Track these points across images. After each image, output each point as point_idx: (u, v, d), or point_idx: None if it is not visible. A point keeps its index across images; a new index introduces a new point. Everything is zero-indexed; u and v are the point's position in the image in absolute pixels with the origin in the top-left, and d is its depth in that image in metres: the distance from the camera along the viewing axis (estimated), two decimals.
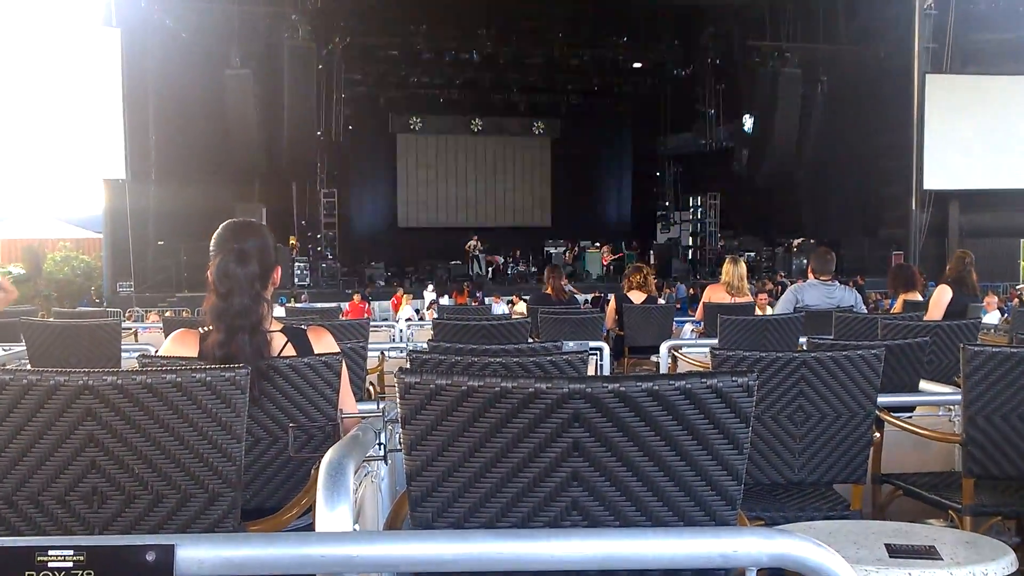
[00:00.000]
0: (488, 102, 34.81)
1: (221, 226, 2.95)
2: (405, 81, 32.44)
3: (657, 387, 1.65)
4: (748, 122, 29.78)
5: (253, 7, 24.53)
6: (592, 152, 36.65)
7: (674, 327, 9.72)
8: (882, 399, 3.46)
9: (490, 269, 30.28)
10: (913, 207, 25.88)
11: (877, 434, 3.48)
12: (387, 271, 29.24)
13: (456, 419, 1.69)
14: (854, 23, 27.62)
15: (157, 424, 2.07)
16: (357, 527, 2.01)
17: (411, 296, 22.44)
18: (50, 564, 1.45)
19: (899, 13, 25.87)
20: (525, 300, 18.63)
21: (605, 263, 30.53)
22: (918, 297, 7.80)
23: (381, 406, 2.84)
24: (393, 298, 22.42)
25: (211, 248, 2.90)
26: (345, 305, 20.02)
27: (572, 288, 21.55)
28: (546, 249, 31.44)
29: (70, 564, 1.45)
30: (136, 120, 22.96)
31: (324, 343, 3.07)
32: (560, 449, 1.69)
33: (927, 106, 25.42)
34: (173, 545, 1.46)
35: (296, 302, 20.57)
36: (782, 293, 9.98)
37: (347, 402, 3.00)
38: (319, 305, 18.39)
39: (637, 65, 32.44)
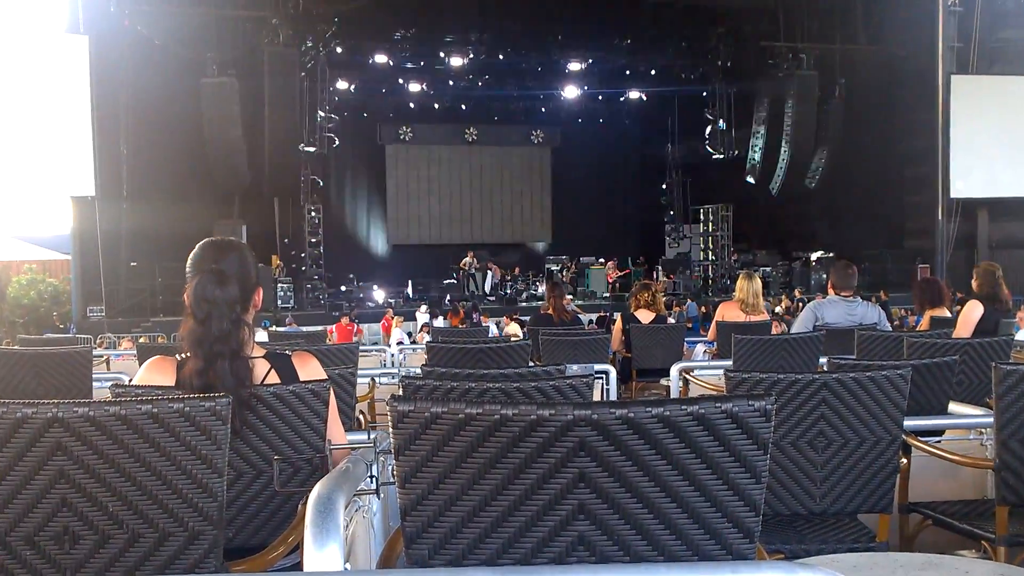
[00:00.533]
0: (483, 110, 34.83)
1: (198, 245, 2.95)
2: (394, 88, 32.45)
3: (668, 412, 1.65)
4: (761, 128, 29.83)
5: (231, 11, 24.59)
6: (595, 162, 36.71)
7: (685, 348, 9.72)
8: (909, 422, 3.45)
9: (494, 282, 30.18)
10: (939, 217, 25.86)
11: (904, 460, 3.48)
12: (376, 291, 29.22)
13: (453, 449, 1.69)
14: (873, 21, 27.72)
15: (132, 458, 2.07)
16: (348, 566, 2.01)
17: (402, 318, 22.44)
18: None
19: (921, 10, 25.92)
20: (520, 321, 18.64)
21: (610, 280, 30.53)
22: (946, 313, 7.80)
23: (372, 436, 2.84)
24: (383, 320, 22.43)
25: (187, 269, 2.90)
26: (332, 328, 20.02)
27: (575, 307, 21.58)
28: (547, 266, 31.45)
29: None
30: (106, 133, 22.96)
31: (310, 369, 3.07)
32: (565, 480, 1.68)
33: (952, 109, 25.39)
34: None
35: (280, 326, 20.55)
36: (800, 310, 9.97)
37: (335, 432, 3.00)
38: (304, 329, 18.36)
39: (642, 69, 32.42)
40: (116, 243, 23.93)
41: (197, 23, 24.08)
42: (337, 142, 30.24)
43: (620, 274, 30.55)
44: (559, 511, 1.70)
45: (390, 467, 2.10)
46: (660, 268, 31.72)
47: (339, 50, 28.89)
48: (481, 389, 3.03)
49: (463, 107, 34.34)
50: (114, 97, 23.63)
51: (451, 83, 32.49)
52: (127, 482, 2.08)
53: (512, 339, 8.25)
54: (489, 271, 30.55)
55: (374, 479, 2.57)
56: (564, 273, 30.79)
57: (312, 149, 28.43)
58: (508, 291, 29.78)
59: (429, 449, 1.70)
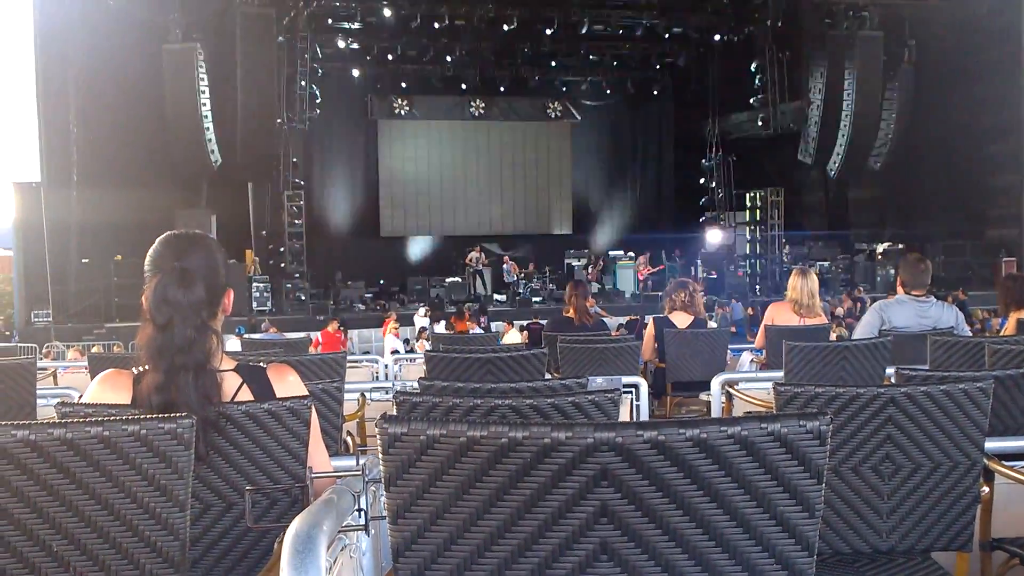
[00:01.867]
0: (492, 79, 34.76)
1: (158, 240, 2.94)
2: (387, 54, 32.34)
3: (705, 435, 1.64)
4: (818, 99, 29.73)
5: None
6: (623, 140, 36.74)
7: (729, 357, 9.69)
8: (991, 444, 3.44)
9: (510, 279, 30.22)
10: None
11: (986, 488, 3.46)
12: (367, 291, 29.27)
13: (454, 478, 1.68)
14: None
15: (80, 490, 2.07)
16: None
17: (397, 324, 22.47)
18: None
19: None
20: (535, 327, 18.67)
21: (641, 278, 30.55)
22: None
23: (361, 462, 2.84)
24: (385, 324, 22.43)
25: (146, 268, 2.90)
26: (316, 335, 20.07)
27: (600, 310, 21.58)
28: (567, 262, 31.44)
29: None
30: (53, 109, 23.05)
31: (288, 384, 3.07)
32: (585, 514, 1.68)
33: None
34: None
35: (255, 331, 20.60)
36: (863, 312, 9.93)
37: (318, 458, 2.99)
38: (284, 336, 18.41)
39: (678, 30, 32.28)
40: (65, 236, 24.01)
41: None
42: (321, 117, 30.30)
43: (653, 271, 30.55)
44: (578, 550, 1.69)
45: (382, 498, 2.09)
46: (700, 263, 31.70)
47: (322, 9, 28.80)
48: (488, 407, 3.02)
49: (468, 76, 34.27)
50: (62, 68, 23.71)
51: (454, 48, 32.36)
52: (74, 517, 2.08)
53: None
54: (505, 266, 30.56)
55: (362, 513, 2.57)
56: (589, 270, 30.80)
57: (292, 125, 28.47)
58: (522, 291, 29.78)
59: (426, 478, 1.69)
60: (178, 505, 2.13)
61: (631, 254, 31.66)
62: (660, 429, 1.64)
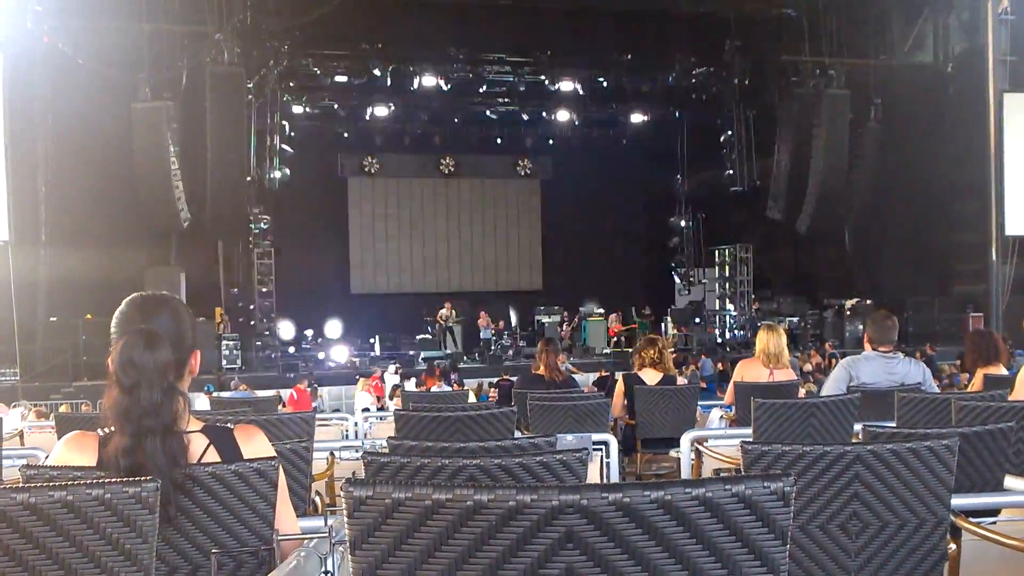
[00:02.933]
0: (462, 137, 34.92)
1: (124, 302, 2.94)
2: (358, 113, 32.47)
3: (670, 497, 1.65)
4: (786, 155, 29.95)
5: (167, 25, 24.63)
6: (592, 196, 36.79)
7: (699, 413, 9.70)
8: (957, 501, 3.45)
9: (487, 336, 30.21)
10: (993, 258, 25.92)
11: (953, 546, 3.46)
12: (337, 349, 29.22)
13: (419, 542, 1.68)
14: (912, 32, 27.98)
15: (43, 554, 2.05)
16: None
17: (368, 381, 22.38)
18: None
19: (967, 19, 26.19)
20: (503, 384, 18.67)
21: (612, 335, 30.58)
22: (1002, 370, 7.81)
23: (329, 523, 2.83)
24: (371, 381, 22.27)
25: (112, 330, 2.90)
26: (288, 393, 19.97)
27: (570, 366, 21.59)
28: (537, 318, 31.46)
29: None
30: (22, 167, 22.96)
31: (255, 445, 3.06)
32: None
33: (1007, 132, 25.41)
34: None
35: (224, 390, 20.48)
36: (832, 367, 9.97)
37: (285, 520, 2.97)
38: (254, 394, 18.29)
39: (645, 89, 32.51)
40: (32, 295, 23.83)
41: (128, 40, 24.04)
42: (291, 175, 30.32)
43: (624, 328, 30.58)
44: None
45: (349, 560, 2.09)
46: (669, 320, 31.76)
47: (294, 70, 28.90)
48: (455, 467, 3.02)
49: (438, 134, 34.39)
50: (31, 125, 23.65)
51: (424, 106, 32.47)
52: None
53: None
54: (480, 322, 30.56)
55: (329, 575, 2.56)
56: (564, 328, 30.83)
57: (263, 183, 28.46)
58: (493, 348, 29.76)
59: (391, 541, 1.69)
60: (143, 570, 2.12)
61: (601, 311, 31.72)
62: (625, 491, 1.65)
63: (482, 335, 30.40)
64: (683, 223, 36.19)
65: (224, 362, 25.76)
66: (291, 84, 29.92)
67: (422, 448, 3.76)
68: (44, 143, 23.96)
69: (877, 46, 28.13)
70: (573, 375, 13.06)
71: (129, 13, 23.63)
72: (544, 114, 33.83)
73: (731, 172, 32.26)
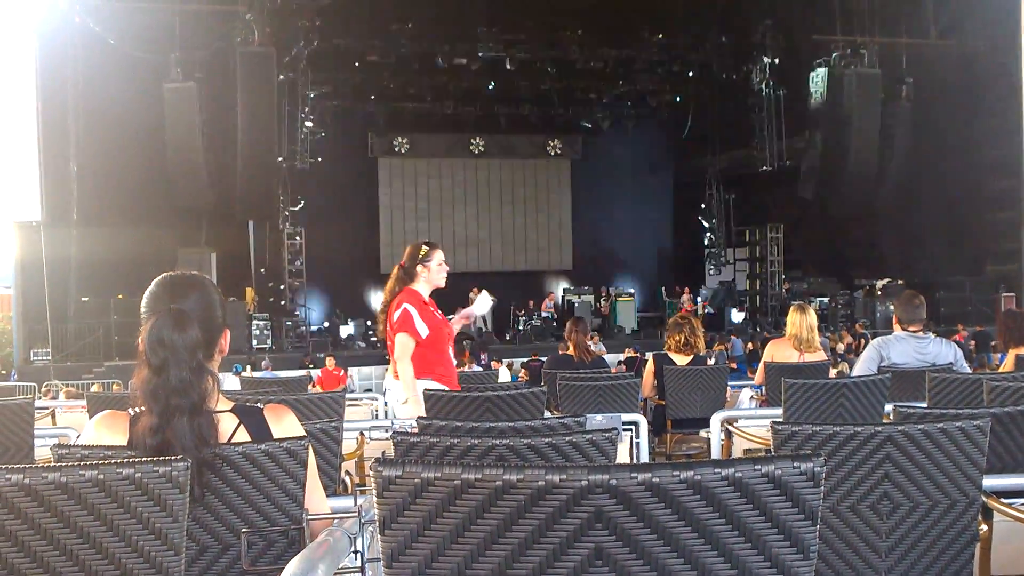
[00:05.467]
0: (491, 117, 34.79)
1: (154, 282, 2.94)
2: (387, 92, 32.44)
3: (699, 477, 1.64)
4: (816, 136, 29.77)
5: (198, 6, 24.69)
6: (622, 177, 36.70)
7: (729, 393, 9.68)
8: (989, 482, 3.43)
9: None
10: None
11: (984, 527, 3.44)
12: (367, 329, 29.26)
13: (448, 522, 1.68)
14: (945, 11, 27.72)
15: (74, 534, 2.06)
16: None
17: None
18: None
19: None
20: (533, 365, 18.66)
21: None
22: None
23: (359, 503, 2.83)
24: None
25: (142, 310, 2.89)
26: (317, 373, 20.05)
27: (602, 348, 21.56)
28: (567, 298, 31.43)
29: None
30: (54, 148, 23.09)
31: (285, 425, 3.05)
32: (579, 557, 1.67)
33: None
34: None
35: (255, 370, 20.58)
36: (862, 348, 9.92)
37: (315, 499, 2.98)
38: (283, 374, 18.38)
39: (676, 68, 32.37)
40: (65, 275, 23.99)
41: (159, 20, 24.10)
42: (321, 155, 30.35)
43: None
44: None
45: (378, 539, 2.09)
46: (699, 300, 31.67)
47: (323, 50, 28.87)
48: (484, 447, 3.02)
49: (468, 114, 34.32)
50: (63, 107, 23.76)
51: (454, 86, 32.42)
52: (68, 561, 2.07)
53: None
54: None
55: (359, 555, 2.56)
56: (602, 304, 30.82)
57: (292, 163, 28.51)
58: (522, 328, 29.76)
59: (421, 521, 1.69)
60: (173, 548, 2.13)
61: (631, 291, 31.67)
62: (654, 471, 1.64)
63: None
64: (713, 203, 35.97)
65: (255, 342, 25.87)
66: (321, 64, 29.88)
67: (451, 428, 3.76)
68: (76, 124, 24.04)
69: (909, 25, 27.85)
70: (603, 356, 13.04)
71: None
72: (574, 94, 33.74)
73: (762, 152, 32.04)
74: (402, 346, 6.92)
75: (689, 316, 10.52)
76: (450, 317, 7.43)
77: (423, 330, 6.92)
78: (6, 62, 22.30)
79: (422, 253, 7.14)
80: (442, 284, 7.05)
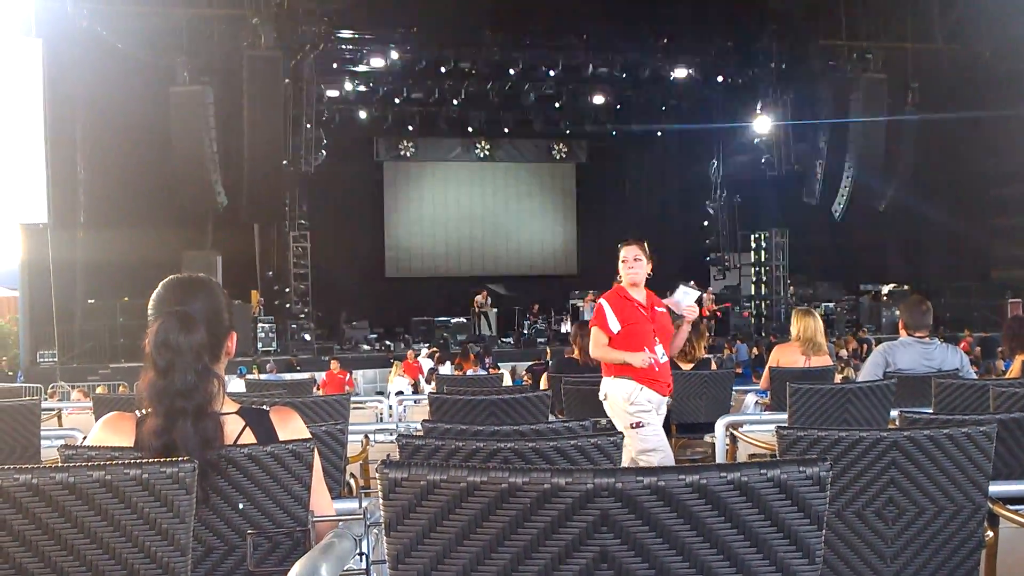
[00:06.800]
0: (496, 121, 34.67)
1: (161, 284, 2.94)
2: (393, 97, 32.43)
3: (705, 481, 1.64)
4: (822, 141, 29.78)
5: (204, 10, 24.72)
6: (627, 181, 36.69)
7: (734, 398, 9.66)
8: (995, 488, 3.43)
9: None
10: None
11: (990, 533, 3.44)
12: (372, 332, 29.27)
13: (454, 524, 1.68)
14: (950, 16, 27.70)
15: (81, 534, 2.07)
16: None
17: (401, 364, 22.40)
18: None
19: (1007, 3, 25.91)
20: (535, 369, 18.64)
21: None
22: None
23: (364, 505, 2.83)
24: (404, 364, 22.23)
25: (149, 312, 2.90)
26: (321, 375, 20.05)
27: None
28: (572, 302, 31.40)
29: None
30: (61, 151, 23.08)
31: (291, 427, 3.06)
32: (584, 560, 1.67)
33: None
34: None
35: (260, 372, 20.60)
36: (869, 353, 9.90)
37: (320, 501, 2.98)
38: (288, 376, 18.39)
39: (681, 73, 32.33)
40: (71, 277, 24.01)
41: (166, 24, 24.18)
42: (327, 158, 30.35)
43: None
44: None
45: (384, 542, 2.09)
46: (704, 296, 31.62)
47: (330, 54, 28.91)
48: (490, 450, 3.02)
49: (473, 118, 34.28)
50: (70, 110, 23.78)
51: (459, 90, 32.38)
52: (75, 561, 2.07)
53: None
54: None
55: (364, 557, 2.56)
56: None
57: (298, 167, 28.51)
58: (527, 332, 29.76)
59: (426, 523, 1.69)
60: (179, 549, 2.13)
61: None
62: (660, 475, 1.64)
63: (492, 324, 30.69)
64: (718, 208, 35.95)
65: (260, 345, 25.91)
66: (327, 68, 29.89)
67: (457, 431, 3.76)
68: (83, 127, 24.08)
69: (915, 30, 27.85)
70: None
71: None
72: (579, 98, 33.70)
73: (767, 157, 32.03)
74: (593, 339, 7.04)
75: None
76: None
77: (615, 325, 6.92)
78: (13, 65, 22.16)
79: (619, 251, 7.16)
80: (636, 280, 7.00)
